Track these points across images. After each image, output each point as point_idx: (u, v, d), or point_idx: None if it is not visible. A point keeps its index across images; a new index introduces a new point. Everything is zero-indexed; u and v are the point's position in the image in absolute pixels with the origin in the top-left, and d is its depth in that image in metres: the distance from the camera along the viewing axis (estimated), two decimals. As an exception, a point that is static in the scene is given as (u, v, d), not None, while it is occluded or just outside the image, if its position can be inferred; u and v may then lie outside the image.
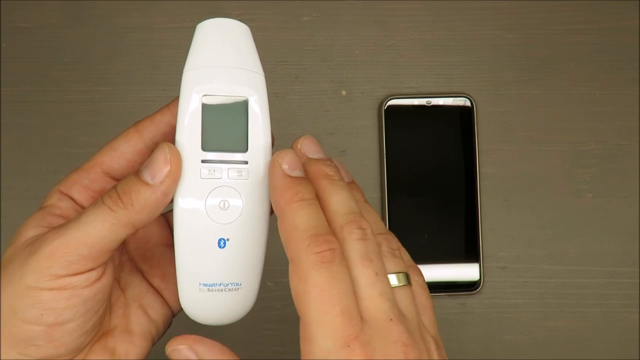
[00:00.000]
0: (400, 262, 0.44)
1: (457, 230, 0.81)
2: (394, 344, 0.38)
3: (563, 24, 0.84)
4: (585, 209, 0.82)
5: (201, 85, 0.46)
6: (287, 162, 0.44)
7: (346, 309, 0.38)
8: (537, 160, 0.82)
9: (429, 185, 0.81)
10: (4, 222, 0.78)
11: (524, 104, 0.83)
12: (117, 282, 0.50)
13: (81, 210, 0.45)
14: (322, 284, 0.38)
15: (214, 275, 0.46)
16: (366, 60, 0.83)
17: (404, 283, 0.43)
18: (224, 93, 0.46)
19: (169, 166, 0.43)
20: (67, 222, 0.43)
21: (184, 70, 0.47)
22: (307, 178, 0.44)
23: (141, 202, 0.42)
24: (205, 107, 0.46)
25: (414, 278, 0.45)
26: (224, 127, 0.46)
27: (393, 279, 0.42)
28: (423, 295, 0.45)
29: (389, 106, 0.81)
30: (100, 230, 0.42)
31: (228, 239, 0.46)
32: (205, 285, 0.46)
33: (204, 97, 0.46)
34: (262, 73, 0.48)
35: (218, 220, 0.45)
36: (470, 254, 0.81)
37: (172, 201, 0.45)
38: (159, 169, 0.43)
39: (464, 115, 0.82)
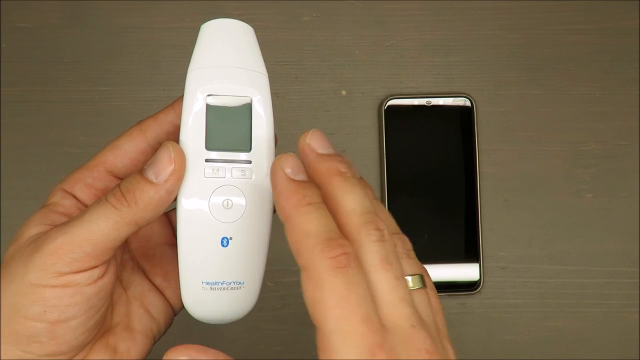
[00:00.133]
0: (415, 264, 0.43)
1: (457, 230, 0.81)
2: (417, 352, 0.36)
3: (563, 24, 0.84)
4: (585, 209, 0.82)
5: (205, 85, 0.46)
6: (290, 166, 0.42)
7: (367, 315, 0.36)
8: (537, 160, 0.82)
9: (429, 185, 0.81)
10: (4, 222, 0.78)
11: (524, 104, 0.83)
12: (119, 281, 0.50)
13: (84, 208, 0.45)
14: (339, 291, 0.36)
15: (216, 273, 0.46)
16: (366, 60, 0.83)
17: (420, 286, 0.42)
18: (228, 93, 0.46)
19: (173, 165, 0.43)
20: (71, 219, 0.43)
21: (188, 70, 0.47)
22: (311, 181, 0.42)
23: (145, 201, 0.42)
24: (209, 107, 0.46)
25: (425, 279, 0.43)
26: (228, 127, 0.46)
27: (409, 282, 0.41)
28: (434, 297, 0.43)
29: (389, 106, 0.81)
30: (103, 228, 0.42)
31: (231, 238, 0.46)
32: (207, 283, 0.46)
33: (208, 97, 0.46)
34: (266, 73, 0.48)
35: (221, 219, 0.45)
36: (470, 254, 0.81)
37: (175, 200, 0.45)
38: (163, 167, 0.43)
39: (464, 115, 0.82)
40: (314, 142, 0.45)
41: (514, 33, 0.84)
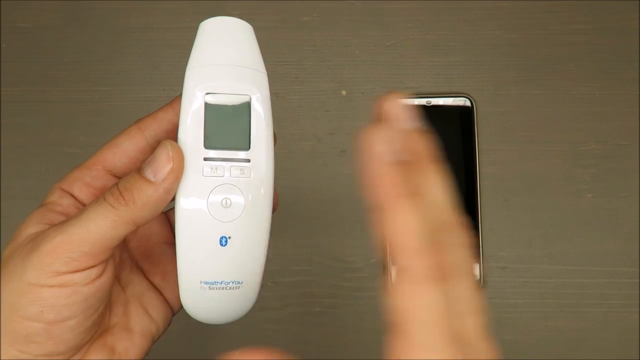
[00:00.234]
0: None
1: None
2: None
3: (563, 24, 0.84)
4: (585, 209, 0.82)
5: (204, 84, 0.46)
6: (387, 142, 0.35)
7: (457, 332, 0.34)
8: (537, 160, 0.82)
9: (428, 185, 0.81)
10: (4, 222, 0.78)
11: (524, 104, 0.83)
12: (118, 280, 0.50)
13: (82, 207, 0.45)
14: (436, 305, 0.34)
15: (215, 273, 0.46)
16: (366, 60, 0.83)
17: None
18: (226, 91, 0.46)
19: (172, 164, 0.43)
20: (69, 219, 0.43)
21: (186, 68, 0.47)
22: (411, 161, 0.36)
23: (143, 200, 0.42)
24: (207, 105, 0.46)
25: None
26: (227, 125, 0.46)
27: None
28: None
29: (389, 106, 0.81)
30: (101, 227, 0.42)
31: (230, 237, 0.46)
32: (206, 283, 0.46)
33: (206, 95, 0.46)
34: (265, 72, 0.48)
35: (220, 218, 0.45)
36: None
37: (173, 199, 0.45)
38: (161, 166, 0.43)
39: (464, 115, 0.82)
40: (398, 114, 0.39)
41: (514, 33, 0.84)
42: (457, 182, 0.81)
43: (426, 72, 0.83)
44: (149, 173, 0.43)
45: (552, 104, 0.83)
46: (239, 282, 0.47)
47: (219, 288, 0.46)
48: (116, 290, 0.50)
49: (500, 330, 0.80)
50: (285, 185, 0.81)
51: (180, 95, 0.46)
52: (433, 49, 0.84)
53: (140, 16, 0.83)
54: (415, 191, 0.35)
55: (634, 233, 0.81)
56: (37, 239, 0.43)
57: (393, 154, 0.35)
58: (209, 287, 0.46)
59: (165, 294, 0.52)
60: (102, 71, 0.82)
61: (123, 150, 0.49)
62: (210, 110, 0.46)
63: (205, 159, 0.45)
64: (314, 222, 0.81)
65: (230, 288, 0.47)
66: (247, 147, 0.46)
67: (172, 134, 0.47)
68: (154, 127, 0.49)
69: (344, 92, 0.83)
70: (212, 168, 0.45)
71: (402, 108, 0.39)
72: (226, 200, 0.45)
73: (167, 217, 0.54)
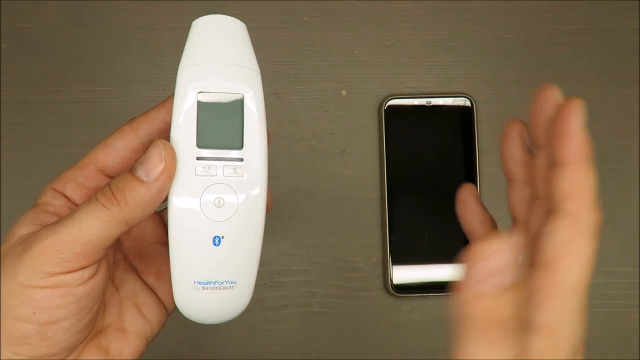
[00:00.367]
0: None
1: (457, 230, 0.81)
2: None
3: (563, 24, 0.84)
4: (586, 209, 0.82)
5: (196, 82, 0.46)
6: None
7: None
8: (537, 160, 0.82)
9: (429, 185, 0.81)
10: (4, 222, 0.78)
11: (524, 104, 0.82)
12: (111, 281, 0.50)
13: (75, 208, 0.45)
14: None
15: (208, 273, 0.46)
16: (366, 60, 0.83)
17: None
18: (219, 90, 0.46)
19: (164, 163, 0.43)
20: (61, 219, 0.43)
21: (179, 67, 0.47)
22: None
23: (135, 200, 0.42)
24: (200, 104, 0.46)
25: None
26: (219, 124, 0.46)
27: None
28: None
29: (389, 106, 0.81)
30: (94, 227, 0.42)
31: (223, 237, 0.46)
32: (199, 283, 0.46)
33: (199, 94, 0.46)
34: (258, 70, 0.48)
35: (213, 217, 0.45)
36: (470, 254, 0.80)
37: (166, 199, 0.45)
38: (154, 165, 0.43)
39: (464, 115, 0.82)
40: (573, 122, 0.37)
41: (514, 33, 0.84)
42: (457, 182, 0.81)
43: (426, 72, 0.83)
44: (141, 173, 0.43)
45: (552, 104, 0.83)
46: (232, 282, 0.47)
47: (213, 288, 0.46)
48: (110, 290, 0.50)
49: (500, 330, 0.80)
50: (285, 185, 0.81)
51: (173, 94, 0.46)
52: (433, 49, 0.84)
53: (140, 16, 0.83)
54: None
55: (634, 233, 0.81)
56: (29, 240, 0.42)
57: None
58: (203, 287, 0.46)
59: (159, 294, 0.52)
60: (102, 71, 0.82)
61: (116, 150, 0.49)
62: (203, 109, 0.46)
63: (197, 158, 0.45)
64: (314, 222, 0.81)
65: (224, 288, 0.47)
66: (240, 146, 0.46)
67: (165, 134, 0.46)
68: (146, 127, 0.49)
69: (344, 92, 0.83)
70: (204, 167, 0.45)
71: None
72: (219, 200, 0.45)
73: (161, 217, 0.54)
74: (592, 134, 0.78)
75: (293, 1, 0.83)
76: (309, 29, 0.83)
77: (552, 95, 0.39)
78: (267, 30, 0.83)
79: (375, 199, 0.81)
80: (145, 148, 0.46)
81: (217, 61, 0.47)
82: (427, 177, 0.81)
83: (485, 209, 0.47)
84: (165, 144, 0.44)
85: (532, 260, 0.35)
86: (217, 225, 0.45)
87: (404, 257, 0.80)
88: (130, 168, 0.43)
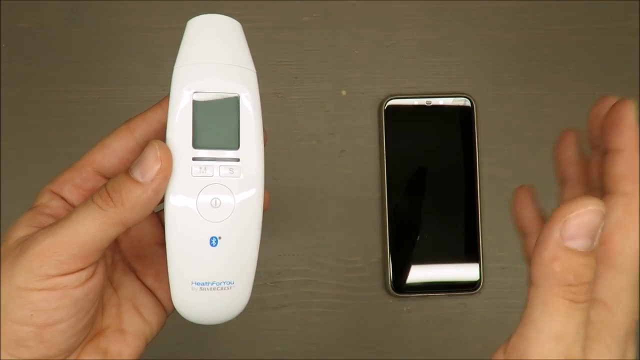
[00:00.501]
0: None
1: (457, 230, 0.81)
2: None
3: (563, 24, 0.84)
4: (586, 209, 0.81)
5: (192, 82, 0.46)
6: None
7: None
8: (538, 160, 0.81)
9: (429, 185, 0.81)
10: (4, 222, 0.78)
11: (524, 104, 0.83)
12: (110, 282, 0.50)
13: (72, 209, 0.45)
14: None
15: (206, 274, 0.46)
16: (366, 60, 0.83)
17: None
18: (215, 90, 0.46)
19: (160, 164, 0.43)
20: (57, 221, 0.43)
21: (174, 67, 0.47)
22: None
23: (131, 201, 0.42)
24: (196, 104, 0.45)
25: None
26: (215, 124, 0.46)
27: None
28: None
29: (389, 106, 0.81)
30: (90, 229, 0.42)
31: (220, 237, 0.45)
32: (197, 284, 0.46)
33: (194, 94, 0.45)
34: (254, 69, 0.48)
35: (210, 218, 0.45)
36: (470, 254, 0.80)
37: (163, 199, 0.45)
38: (150, 166, 0.43)
39: (464, 115, 0.82)
40: None
41: (514, 33, 0.84)
42: (457, 182, 0.81)
43: (426, 72, 0.83)
44: (137, 174, 0.42)
45: (552, 104, 0.83)
46: (230, 282, 0.47)
47: (211, 289, 0.46)
48: (108, 292, 0.50)
49: (500, 330, 0.80)
50: (285, 185, 0.81)
51: (169, 94, 0.46)
52: (433, 49, 0.84)
53: (140, 16, 0.83)
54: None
55: (634, 233, 0.81)
56: (25, 242, 0.42)
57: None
58: (200, 287, 0.46)
59: (158, 295, 0.52)
60: (102, 71, 0.82)
61: (112, 151, 0.48)
62: (199, 109, 0.45)
63: (194, 159, 0.45)
64: (315, 222, 0.81)
65: (222, 288, 0.46)
66: (236, 146, 0.46)
67: (162, 134, 0.46)
68: (143, 128, 0.49)
69: (344, 92, 0.83)
70: (201, 168, 0.45)
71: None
72: (215, 200, 0.45)
73: (160, 217, 0.53)
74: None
75: (293, 1, 0.83)
76: (309, 29, 0.83)
77: (610, 101, 0.41)
78: (267, 30, 0.83)
79: (375, 199, 0.81)
80: (142, 149, 0.46)
81: (213, 61, 0.47)
82: (427, 177, 0.81)
83: (540, 210, 0.49)
84: (161, 144, 0.43)
85: None
86: (214, 225, 0.45)
87: (404, 257, 0.80)
88: (126, 169, 0.43)
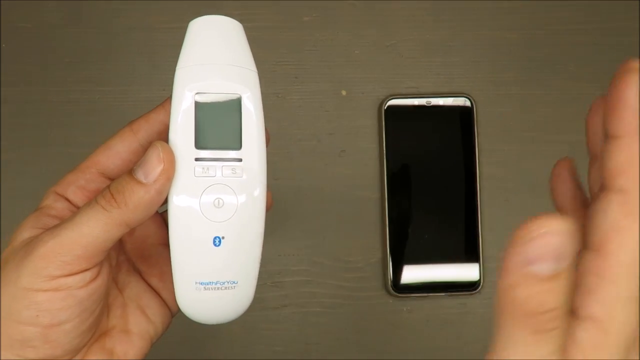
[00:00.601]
0: None
1: (457, 230, 0.81)
2: None
3: (563, 24, 0.84)
4: (585, 209, 0.82)
5: (193, 83, 0.46)
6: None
7: None
8: (537, 160, 0.81)
9: (429, 185, 0.81)
10: (4, 222, 0.78)
11: (524, 104, 0.83)
12: (115, 283, 0.51)
13: (76, 210, 0.45)
14: None
15: (209, 273, 0.46)
16: (366, 60, 0.83)
17: None
18: (216, 90, 0.46)
19: (162, 164, 0.43)
20: (62, 222, 0.43)
21: (176, 68, 0.47)
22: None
23: (135, 201, 0.42)
24: (198, 105, 0.46)
25: None
26: (218, 125, 0.46)
27: None
28: None
29: (389, 106, 0.81)
30: (94, 230, 0.42)
31: (223, 237, 0.46)
32: (201, 284, 0.46)
33: (196, 95, 0.46)
34: (255, 70, 0.48)
35: (213, 218, 0.45)
36: (470, 254, 0.80)
37: (166, 200, 0.45)
38: (152, 167, 0.43)
39: (464, 115, 0.82)
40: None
41: (514, 33, 0.84)
42: (457, 182, 0.81)
43: (426, 72, 0.83)
44: (140, 174, 0.43)
45: (552, 104, 0.83)
46: (234, 282, 0.47)
47: (214, 288, 0.46)
48: (114, 292, 0.50)
49: (500, 330, 0.80)
50: (285, 185, 0.81)
51: (171, 95, 0.46)
52: (433, 49, 0.84)
53: (140, 16, 0.83)
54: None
55: (634, 233, 0.81)
56: (30, 244, 0.43)
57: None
58: (204, 287, 0.46)
59: (163, 295, 0.52)
60: (102, 71, 0.82)
61: (116, 152, 0.49)
62: (201, 110, 0.46)
63: (196, 159, 0.45)
64: (314, 222, 0.81)
65: (225, 288, 0.47)
66: (239, 146, 0.46)
67: (164, 135, 0.46)
68: (146, 129, 0.49)
69: (344, 92, 0.83)
70: (203, 168, 0.45)
71: None
72: (218, 201, 0.45)
73: (164, 218, 0.54)
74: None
75: (293, 1, 0.83)
76: (309, 29, 0.83)
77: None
78: (267, 30, 0.83)
79: (375, 199, 0.81)
80: (145, 150, 0.46)
81: (214, 62, 0.47)
82: (427, 177, 0.81)
83: (579, 185, 0.41)
84: (163, 145, 0.44)
85: (583, 243, 0.32)
86: (217, 225, 0.45)
87: (404, 257, 0.80)
88: (129, 170, 0.44)
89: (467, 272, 0.80)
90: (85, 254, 0.42)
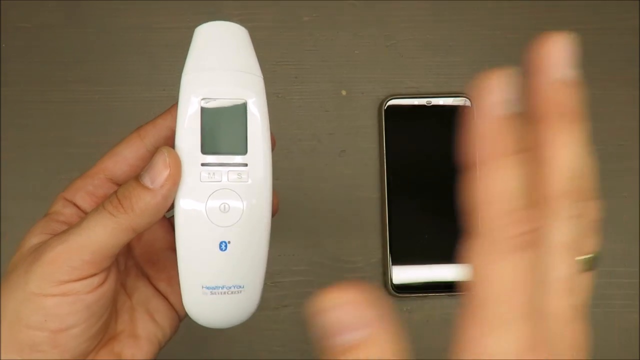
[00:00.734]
0: (593, 242, 0.34)
1: (457, 230, 0.81)
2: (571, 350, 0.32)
3: (563, 24, 0.84)
4: (585, 209, 0.82)
5: (200, 89, 0.46)
6: (499, 93, 0.33)
7: (534, 308, 0.31)
8: (537, 160, 0.82)
9: (429, 185, 0.81)
10: (4, 223, 0.78)
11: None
12: (123, 288, 0.51)
13: (84, 216, 0.45)
14: (512, 278, 0.31)
15: (216, 278, 0.46)
16: (366, 60, 0.83)
17: (588, 269, 0.34)
18: (222, 96, 0.46)
19: (169, 170, 0.43)
20: (69, 228, 0.43)
21: (182, 74, 0.47)
22: (527, 115, 0.32)
23: (141, 206, 0.42)
24: (204, 111, 0.46)
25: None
26: (223, 130, 0.46)
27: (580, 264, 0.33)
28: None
29: (389, 106, 0.81)
30: (101, 235, 0.42)
31: (229, 242, 0.46)
32: (207, 288, 0.46)
33: (202, 101, 0.46)
34: (261, 75, 0.48)
35: (219, 223, 0.45)
36: (470, 254, 0.80)
37: (173, 205, 0.45)
38: (159, 172, 0.43)
39: (464, 115, 0.82)
40: (554, 58, 0.33)
41: (514, 33, 0.84)
42: (457, 182, 0.81)
43: (426, 72, 0.83)
44: (146, 180, 0.43)
45: (552, 104, 0.83)
46: (240, 287, 0.47)
47: (221, 293, 0.47)
48: (122, 297, 0.50)
49: (500, 330, 0.80)
50: (286, 185, 0.81)
51: (178, 101, 0.47)
52: (433, 49, 0.84)
53: (140, 16, 0.82)
54: (526, 148, 0.32)
55: (634, 233, 0.81)
56: (39, 249, 0.43)
57: (511, 105, 0.32)
58: (211, 292, 0.46)
59: (171, 299, 0.52)
60: (102, 71, 0.82)
61: (123, 158, 0.49)
62: (207, 115, 0.46)
63: (202, 165, 0.45)
64: (314, 222, 0.81)
65: (232, 292, 0.47)
66: (244, 151, 0.46)
67: (171, 141, 0.47)
68: (153, 134, 0.49)
69: (344, 92, 0.83)
70: (209, 173, 0.45)
71: (566, 50, 0.32)
72: (224, 205, 0.45)
73: (171, 223, 0.54)
74: (592, 134, 0.78)
75: (293, 1, 0.83)
76: (309, 29, 0.83)
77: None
78: (267, 30, 0.83)
79: (375, 199, 0.81)
80: (152, 155, 0.47)
81: (220, 67, 0.47)
82: (427, 177, 0.81)
83: None
84: (169, 150, 0.44)
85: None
86: (223, 230, 0.46)
87: (404, 257, 0.80)
88: (136, 176, 0.44)
89: (467, 272, 0.80)
90: (93, 259, 0.42)
